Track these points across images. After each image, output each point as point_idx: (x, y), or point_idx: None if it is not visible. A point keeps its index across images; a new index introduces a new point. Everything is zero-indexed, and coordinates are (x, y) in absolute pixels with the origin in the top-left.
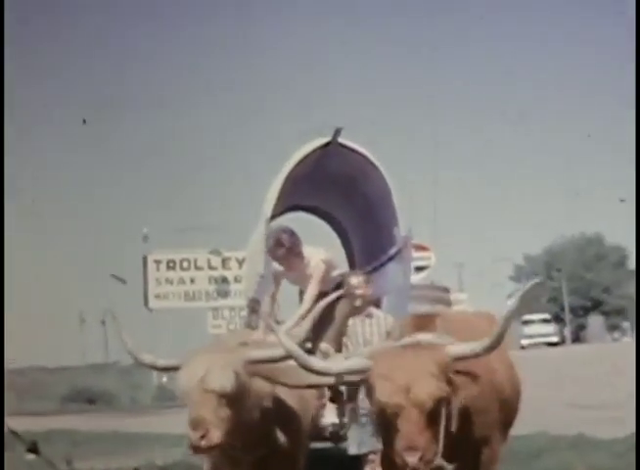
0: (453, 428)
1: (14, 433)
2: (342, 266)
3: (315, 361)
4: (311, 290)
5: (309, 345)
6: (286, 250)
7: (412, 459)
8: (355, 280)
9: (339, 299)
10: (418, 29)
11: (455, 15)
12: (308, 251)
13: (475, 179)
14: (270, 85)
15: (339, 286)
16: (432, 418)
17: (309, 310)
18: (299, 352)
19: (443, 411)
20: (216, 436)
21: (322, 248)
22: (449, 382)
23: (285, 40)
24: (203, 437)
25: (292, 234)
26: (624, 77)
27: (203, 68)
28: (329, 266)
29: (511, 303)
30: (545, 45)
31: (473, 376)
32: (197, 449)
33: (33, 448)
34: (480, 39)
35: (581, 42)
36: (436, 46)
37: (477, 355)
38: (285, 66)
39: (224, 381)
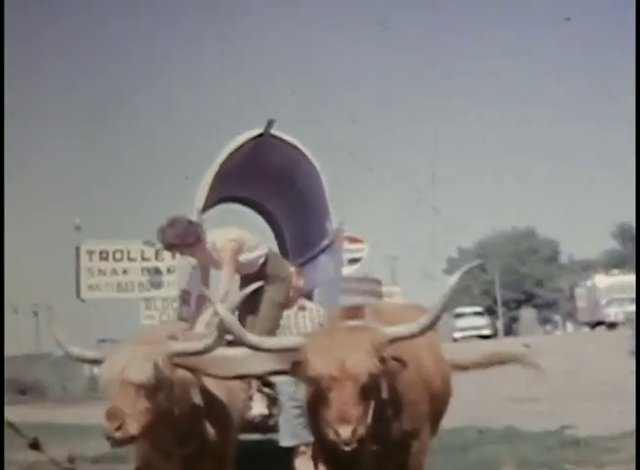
0: (383, 413)
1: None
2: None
3: (249, 335)
4: (224, 273)
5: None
6: (171, 246)
7: (345, 432)
8: None
9: (263, 287)
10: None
11: None
12: (214, 234)
13: (408, 172)
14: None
15: (263, 269)
16: (364, 394)
17: (227, 293)
18: (235, 323)
19: (374, 394)
20: (133, 428)
21: (232, 227)
22: (382, 361)
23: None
24: (118, 428)
25: (178, 226)
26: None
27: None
28: (239, 245)
29: (451, 280)
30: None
31: (402, 363)
32: (113, 441)
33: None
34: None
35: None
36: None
37: (413, 336)
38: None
39: (142, 373)
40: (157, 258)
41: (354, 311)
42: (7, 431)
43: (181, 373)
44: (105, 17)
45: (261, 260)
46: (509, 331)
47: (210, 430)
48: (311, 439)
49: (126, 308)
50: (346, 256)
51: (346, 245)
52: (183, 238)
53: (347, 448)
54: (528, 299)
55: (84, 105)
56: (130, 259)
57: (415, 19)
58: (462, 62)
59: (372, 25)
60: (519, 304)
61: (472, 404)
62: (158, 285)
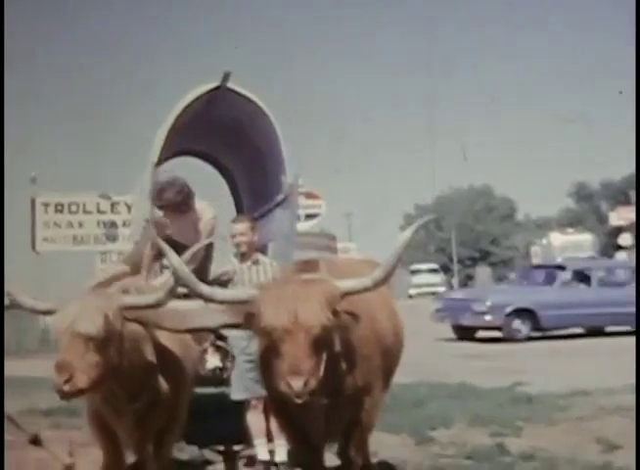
0: (335, 367)
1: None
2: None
3: (203, 286)
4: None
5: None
6: (170, 206)
7: (297, 384)
8: (241, 226)
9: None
10: None
11: None
12: (200, 206)
13: (365, 127)
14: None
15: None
16: (317, 347)
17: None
18: (188, 273)
19: (327, 347)
20: (81, 380)
21: (209, 202)
22: (335, 314)
23: None
24: (67, 381)
25: (180, 189)
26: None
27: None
28: (216, 223)
29: (404, 233)
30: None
31: (355, 317)
32: (62, 394)
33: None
34: None
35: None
36: None
37: (367, 289)
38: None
39: (91, 325)
40: (112, 211)
41: (309, 265)
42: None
43: (133, 327)
44: None
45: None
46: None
47: (164, 384)
48: (263, 393)
49: (82, 261)
50: (304, 211)
51: (304, 200)
52: (185, 200)
53: (299, 401)
54: (484, 256)
55: (39, 58)
56: (86, 212)
57: None
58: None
59: None
60: (474, 261)
61: (425, 361)
62: (113, 238)
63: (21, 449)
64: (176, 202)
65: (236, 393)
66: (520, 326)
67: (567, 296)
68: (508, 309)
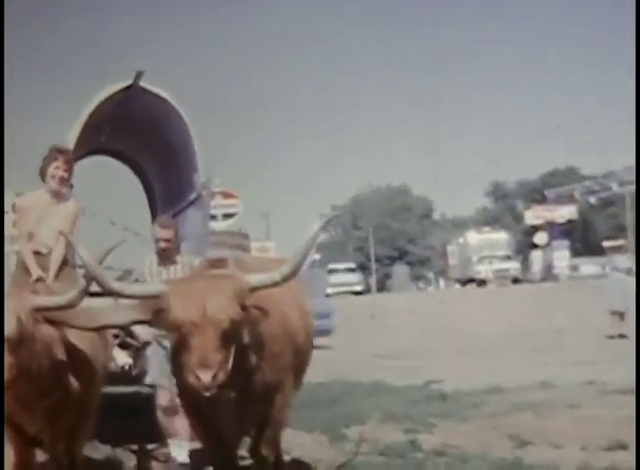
0: (244, 361)
1: None
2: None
3: (111, 280)
4: (72, 234)
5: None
6: (58, 151)
7: (205, 377)
8: (168, 233)
9: None
10: None
11: None
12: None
13: (284, 128)
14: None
15: None
16: (225, 340)
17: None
18: (98, 268)
19: (236, 341)
20: None
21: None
22: (244, 309)
23: None
24: None
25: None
26: None
27: None
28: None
29: (313, 228)
30: None
31: (264, 311)
32: None
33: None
34: None
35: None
36: None
37: (275, 284)
38: None
39: (5, 327)
40: None
41: (218, 263)
42: None
43: (43, 327)
44: None
45: None
46: (382, 287)
47: (74, 382)
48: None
49: None
50: (220, 211)
51: (220, 200)
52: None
53: (207, 394)
54: (402, 255)
55: None
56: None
57: None
58: None
59: None
60: (392, 260)
61: (340, 359)
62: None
63: None
64: (71, 158)
65: (155, 377)
66: None
67: None
68: None
